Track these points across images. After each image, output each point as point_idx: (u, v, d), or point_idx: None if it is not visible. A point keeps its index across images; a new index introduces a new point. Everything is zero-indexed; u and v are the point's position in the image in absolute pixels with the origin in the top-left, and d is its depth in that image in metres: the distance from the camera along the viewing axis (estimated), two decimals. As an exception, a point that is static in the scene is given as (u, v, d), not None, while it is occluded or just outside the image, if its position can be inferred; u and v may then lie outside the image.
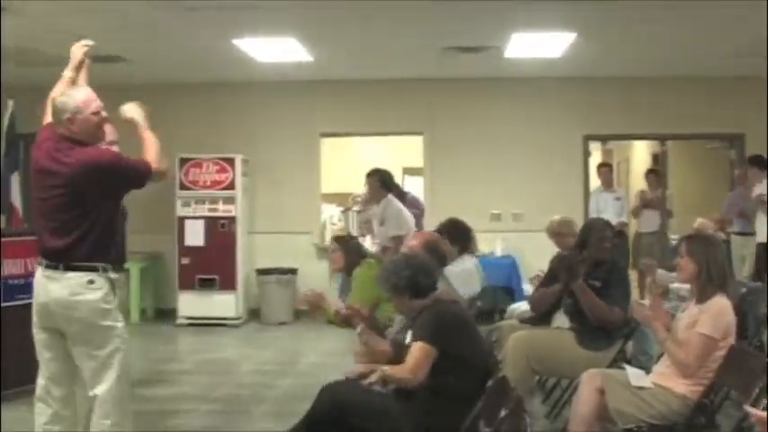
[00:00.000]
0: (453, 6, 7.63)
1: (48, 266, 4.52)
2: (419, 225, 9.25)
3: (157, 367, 8.81)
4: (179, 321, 11.39)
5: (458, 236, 6.81)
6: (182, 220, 11.48)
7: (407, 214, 8.68)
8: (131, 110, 4.89)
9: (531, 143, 11.45)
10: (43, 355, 4.64)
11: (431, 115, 11.89)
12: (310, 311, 6.48)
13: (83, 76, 5.12)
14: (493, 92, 11.72)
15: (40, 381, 4.71)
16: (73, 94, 4.65)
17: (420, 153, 12.10)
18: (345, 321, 5.63)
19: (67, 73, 5.03)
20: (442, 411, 4.19)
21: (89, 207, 4.45)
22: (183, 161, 11.49)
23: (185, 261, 11.44)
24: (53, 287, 4.49)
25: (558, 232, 7.51)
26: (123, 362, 4.55)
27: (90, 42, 5.15)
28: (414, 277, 4.56)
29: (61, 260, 4.47)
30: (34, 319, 4.62)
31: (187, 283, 11.44)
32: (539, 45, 9.36)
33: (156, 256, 12.07)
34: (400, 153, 13.67)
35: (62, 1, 7.28)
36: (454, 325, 4.47)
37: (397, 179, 10.72)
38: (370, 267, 6.42)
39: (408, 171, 13.82)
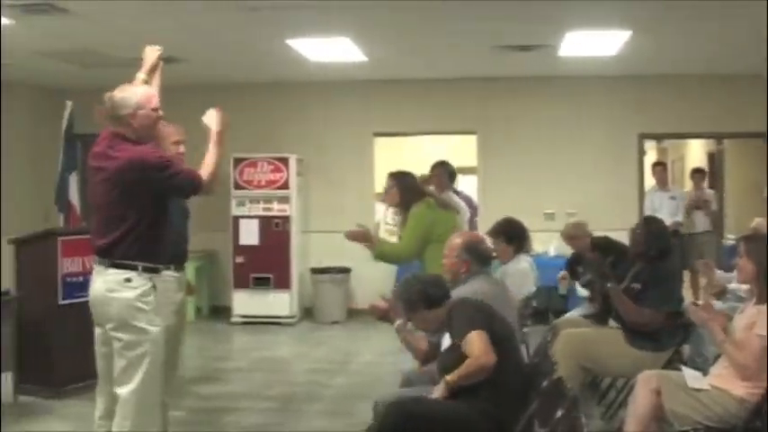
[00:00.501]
0: (508, 5, 7.60)
1: (97, 263, 4.58)
2: (472, 224, 9.23)
3: (213, 365, 8.90)
4: (233, 320, 11.48)
5: (513, 235, 6.77)
6: (236, 219, 11.56)
7: (466, 210, 8.71)
8: (210, 117, 4.87)
9: (585, 142, 11.36)
10: (98, 349, 4.70)
11: (484, 114, 11.85)
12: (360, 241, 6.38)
13: (156, 78, 5.15)
14: (546, 91, 11.65)
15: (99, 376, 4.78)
16: (134, 90, 4.70)
17: (473, 152, 12.07)
18: (383, 316, 5.61)
19: (141, 75, 5.07)
20: (504, 407, 4.17)
21: (132, 205, 4.45)
22: (238, 161, 11.56)
23: (240, 260, 11.52)
24: (96, 283, 4.55)
25: (573, 236, 7.67)
26: (151, 366, 4.47)
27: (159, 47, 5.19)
28: (424, 289, 4.58)
29: (106, 257, 4.51)
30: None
31: (242, 282, 11.51)
32: (593, 43, 9.28)
33: (211, 255, 12.18)
34: (453, 152, 13.64)
35: (121, 2, 7.37)
36: (482, 308, 4.50)
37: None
38: (428, 206, 6.35)
39: (461, 170, 13.76)
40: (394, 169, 6.68)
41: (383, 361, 8.72)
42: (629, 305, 5.79)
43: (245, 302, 11.52)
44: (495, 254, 6.71)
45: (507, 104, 11.80)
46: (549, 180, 11.03)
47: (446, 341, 4.50)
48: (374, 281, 11.20)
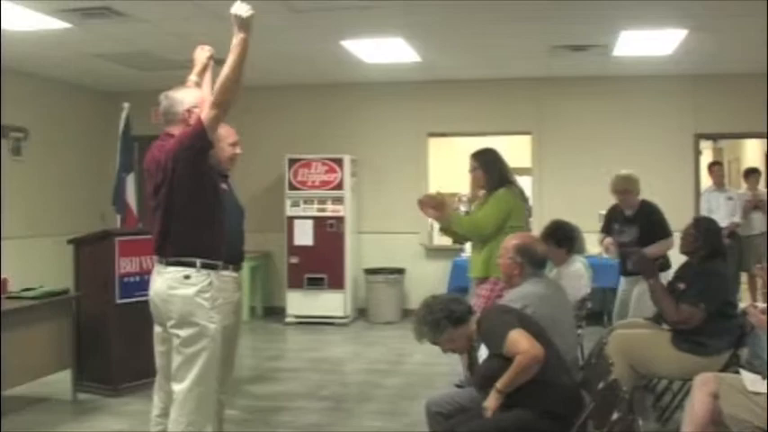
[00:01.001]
0: (562, 5, 7.56)
1: (157, 262, 4.64)
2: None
3: (267, 365, 8.94)
4: (287, 320, 11.54)
5: (563, 238, 6.73)
6: (291, 219, 11.61)
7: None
8: (240, 6, 4.65)
9: (640, 142, 11.23)
10: (157, 348, 4.75)
11: (539, 115, 11.80)
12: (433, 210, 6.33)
13: (207, 79, 5.20)
14: (601, 91, 11.55)
15: (157, 375, 4.84)
16: (188, 90, 4.77)
17: (528, 153, 12.01)
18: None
19: (193, 77, 5.10)
20: (558, 404, 4.13)
21: (183, 199, 4.49)
22: (292, 161, 11.62)
23: (294, 260, 11.57)
24: (156, 282, 4.60)
25: (624, 189, 7.53)
26: (207, 364, 4.50)
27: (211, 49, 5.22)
28: (448, 307, 4.46)
29: (164, 255, 4.57)
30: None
31: (296, 282, 11.57)
32: (648, 43, 9.20)
33: (266, 255, 12.26)
34: (508, 153, 13.57)
35: (176, 6, 7.45)
36: (508, 310, 4.49)
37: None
38: (513, 193, 6.31)
39: (516, 171, 13.71)
40: (476, 150, 6.59)
41: (436, 361, 8.69)
42: (668, 301, 5.72)
43: (298, 303, 11.58)
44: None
45: (562, 105, 11.73)
46: (603, 181, 10.89)
47: (483, 353, 4.40)
48: (427, 281, 11.20)
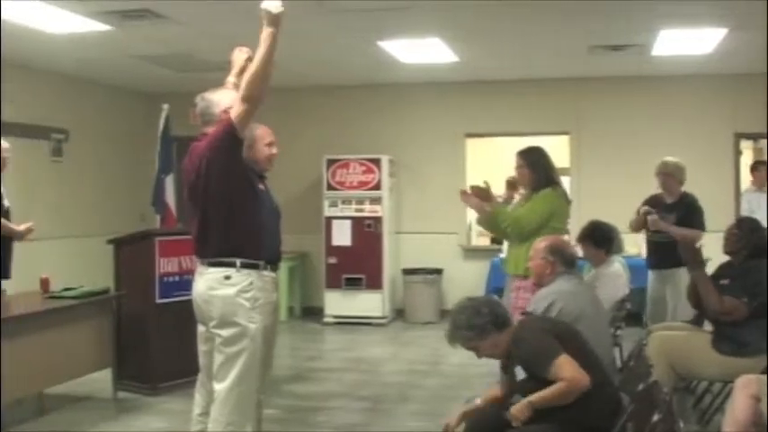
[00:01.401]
0: (601, 5, 7.51)
1: (199, 263, 4.68)
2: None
3: (305, 365, 8.97)
4: (325, 320, 11.56)
5: (601, 238, 6.69)
6: (329, 220, 11.64)
7: None
8: (270, 3, 4.65)
9: (679, 142, 11.10)
10: (200, 347, 4.78)
11: (577, 115, 11.74)
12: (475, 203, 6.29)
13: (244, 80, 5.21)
14: (640, 90, 11.47)
15: (200, 373, 4.87)
16: (225, 91, 4.81)
17: (566, 153, 11.95)
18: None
19: (231, 79, 5.12)
20: (596, 412, 4.09)
21: (218, 198, 4.52)
22: (330, 162, 11.65)
23: (332, 260, 11.59)
24: (198, 283, 4.64)
25: (669, 173, 7.58)
26: (247, 364, 4.53)
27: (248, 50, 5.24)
28: (493, 310, 4.35)
29: (204, 256, 4.61)
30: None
31: (334, 282, 11.60)
32: (687, 42, 9.12)
33: (304, 256, 12.31)
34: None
35: (216, 8, 7.49)
36: (545, 327, 4.35)
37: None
38: (558, 194, 6.24)
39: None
40: (523, 148, 6.48)
41: (474, 362, 8.59)
42: (712, 290, 5.63)
43: (336, 303, 11.60)
44: (582, 256, 6.67)
45: (600, 104, 11.66)
46: (642, 181, 10.82)
47: (520, 373, 4.27)
48: (466, 282, 11.19)
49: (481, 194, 6.26)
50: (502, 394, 4.58)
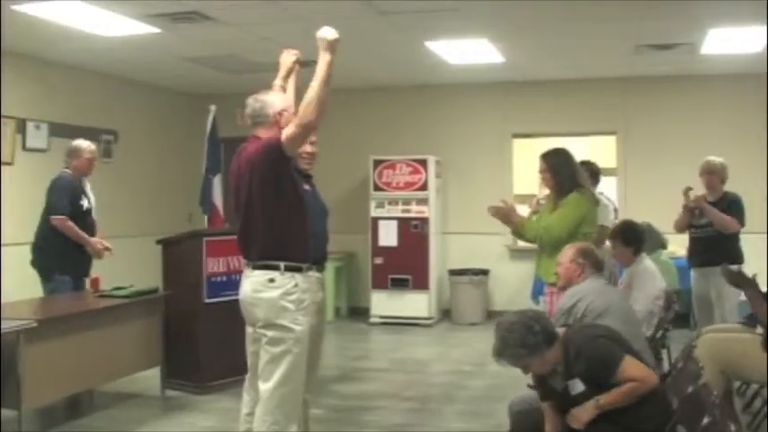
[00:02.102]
0: (649, 4, 7.45)
1: (245, 265, 4.72)
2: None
3: (352, 364, 8.99)
4: (372, 320, 11.58)
5: (632, 237, 6.64)
6: (375, 220, 11.65)
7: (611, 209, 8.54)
8: (326, 30, 4.74)
9: (729, 142, 10.93)
10: (248, 348, 4.81)
11: (624, 115, 11.64)
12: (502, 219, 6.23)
13: (291, 83, 5.24)
14: (688, 89, 11.35)
15: (248, 374, 4.89)
16: (278, 94, 4.87)
17: (613, 153, 11.86)
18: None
19: (278, 81, 5.15)
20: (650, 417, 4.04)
21: (262, 202, 4.54)
22: (377, 163, 11.67)
23: (378, 261, 11.61)
24: (244, 285, 4.68)
25: (710, 170, 7.63)
26: (293, 364, 4.54)
27: (297, 52, 5.26)
28: (544, 327, 4.15)
29: (250, 258, 4.65)
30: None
31: (380, 283, 11.61)
32: (736, 40, 9.02)
33: (351, 256, 12.33)
34: (593, 153, 13.41)
35: (263, 9, 7.54)
36: (602, 335, 4.24)
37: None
38: (587, 198, 6.10)
39: (602, 172, 13.54)
40: (547, 150, 6.31)
41: (521, 363, 8.64)
42: (763, 307, 5.57)
43: (383, 303, 11.61)
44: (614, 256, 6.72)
45: (648, 104, 11.56)
46: (690, 181, 10.74)
47: (577, 386, 4.12)
48: (512, 283, 11.16)
49: (502, 216, 6.22)
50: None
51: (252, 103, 4.75)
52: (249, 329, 4.77)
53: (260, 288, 4.55)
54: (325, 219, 5.56)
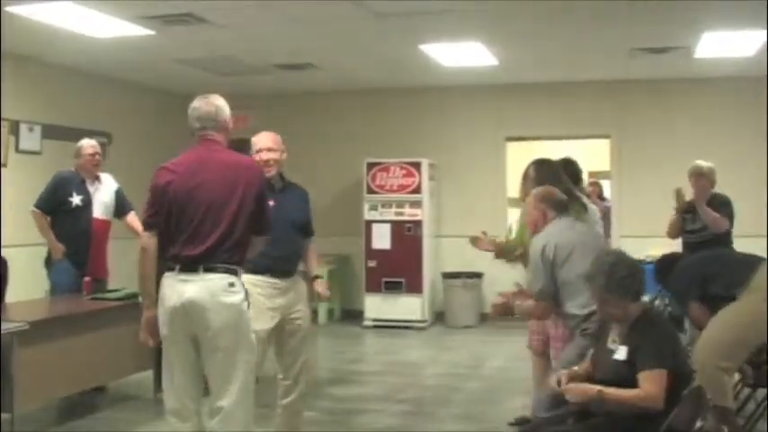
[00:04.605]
0: (643, 7, 7.47)
1: (181, 268, 4.47)
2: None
3: (346, 367, 8.99)
4: (365, 323, 11.57)
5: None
6: (369, 223, 11.65)
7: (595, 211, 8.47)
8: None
9: (722, 145, 10.97)
10: (179, 363, 4.55)
11: (618, 118, 11.65)
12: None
13: None
14: (682, 93, 11.38)
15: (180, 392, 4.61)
16: (222, 99, 4.79)
17: (607, 156, 11.87)
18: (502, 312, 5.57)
19: None
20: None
21: (244, 214, 4.44)
22: (371, 165, 11.66)
23: (372, 264, 11.60)
24: (186, 288, 4.38)
25: (698, 173, 7.60)
26: (250, 371, 4.43)
27: None
28: (642, 281, 4.23)
29: (199, 261, 4.38)
30: None
31: (374, 286, 11.60)
32: (730, 44, 9.04)
33: (344, 259, 12.32)
34: (587, 156, 13.43)
35: (257, 12, 7.54)
36: (672, 335, 4.22)
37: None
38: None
39: (595, 175, 13.57)
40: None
41: (515, 366, 8.65)
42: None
43: (376, 306, 11.61)
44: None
45: (642, 107, 11.57)
46: (683, 184, 10.77)
47: (621, 353, 4.14)
48: (506, 286, 11.08)
49: (485, 245, 6.22)
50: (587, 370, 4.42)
51: (204, 105, 4.71)
52: (176, 341, 4.47)
53: (219, 292, 4.31)
54: (290, 229, 5.39)
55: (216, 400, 4.40)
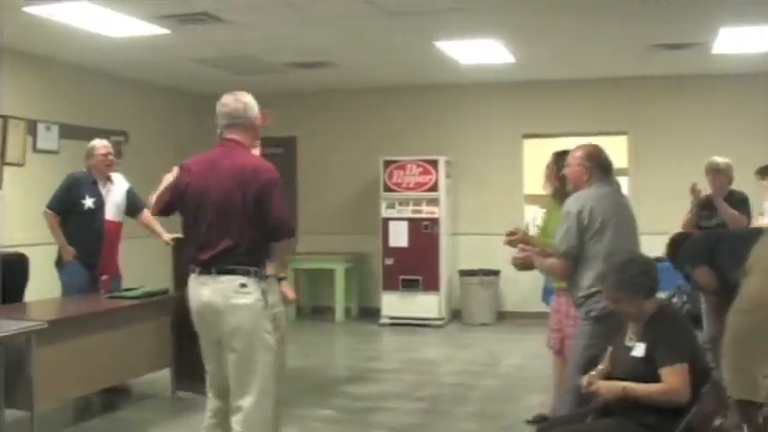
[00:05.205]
0: (660, 3, 7.43)
1: (202, 270, 4.58)
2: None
3: (363, 365, 8.98)
4: (382, 321, 11.56)
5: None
6: (386, 221, 11.63)
7: None
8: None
9: (742, 141, 10.88)
10: (208, 363, 4.74)
11: (635, 115, 11.60)
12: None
13: None
14: (700, 89, 11.31)
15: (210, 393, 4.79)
16: (251, 97, 4.76)
17: (624, 153, 11.82)
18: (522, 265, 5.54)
19: None
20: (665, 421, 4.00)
21: (254, 220, 4.47)
22: (387, 163, 11.65)
23: (389, 262, 11.59)
24: (202, 291, 4.53)
25: (719, 170, 7.54)
26: (269, 372, 4.46)
27: None
28: (656, 277, 4.24)
29: (211, 263, 4.49)
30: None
31: (391, 284, 11.59)
32: (748, 40, 8.98)
33: (361, 257, 12.32)
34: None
35: (273, 11, 7.54)
36: (690, 335, 4.21)
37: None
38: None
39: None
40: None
41: (532, 364, 8.63)
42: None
43: (393, 304, 11.59)
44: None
45: (659, 104, 11.52)
46: (700, 180, 10.70)
47: (639, 350, 4.13)
48: (523, 284, 11.10)
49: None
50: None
51: (232, 102, 4.69)
52: (206, 342, 4.64)
53: (231, 294, 4.39)
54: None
55: (235, 399, 4.46)
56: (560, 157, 6.02)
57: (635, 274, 4.17)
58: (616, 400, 4.06)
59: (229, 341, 4.41)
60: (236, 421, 4.44)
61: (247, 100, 4.72)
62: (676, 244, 6.58)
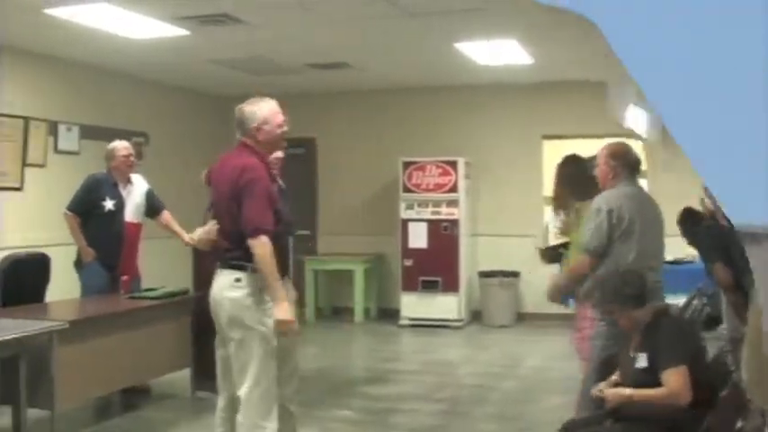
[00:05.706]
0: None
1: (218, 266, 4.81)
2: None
3: (382, 366, 8.99)
4: (401, 322, 11.56)
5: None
6: (405, 222, 11.63)
7: None
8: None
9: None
10: (216, 352, 5.04)
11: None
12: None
13: None
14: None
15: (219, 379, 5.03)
16: (261, 104, 4.80)
17: (643, 155, 11.77)
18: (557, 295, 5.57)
19: None
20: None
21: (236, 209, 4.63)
22: (406, 164, 11.65)
23: (408, 263, 11.59)
24: (213, 284, 4.86)
25: None
26: (262, 364, 4.60)
27: None
28: (642, 286, 4.31)
29: (222, 258, 4.78)
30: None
31: (410, 285, 11.58)
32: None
33: (380, 258, 12.32)
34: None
35: (293, 12, 7.55)
36: (689, 337, 4.23)
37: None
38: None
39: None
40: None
41: (552, 366, 8.62)
42: None
43: (413, 305, 11.59)
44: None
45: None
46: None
47: (642, 361, 4.18)
48: (543, 285, 11.01)
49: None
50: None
51: (238, 110, 4.83)
52: (217, 335, 4.89)
53: (226, 288, 4.66)
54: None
55: (235, 389, 4.71)
56: (567, 162, 6.02)
57: (617, 287, 4.28)
58: (624, 406, 4.09)
59: (228, 332, 4.69)
60: (239, 411, 4.66)
61: (248, 109, 4.79)
62: (686, 219, 6.59)
